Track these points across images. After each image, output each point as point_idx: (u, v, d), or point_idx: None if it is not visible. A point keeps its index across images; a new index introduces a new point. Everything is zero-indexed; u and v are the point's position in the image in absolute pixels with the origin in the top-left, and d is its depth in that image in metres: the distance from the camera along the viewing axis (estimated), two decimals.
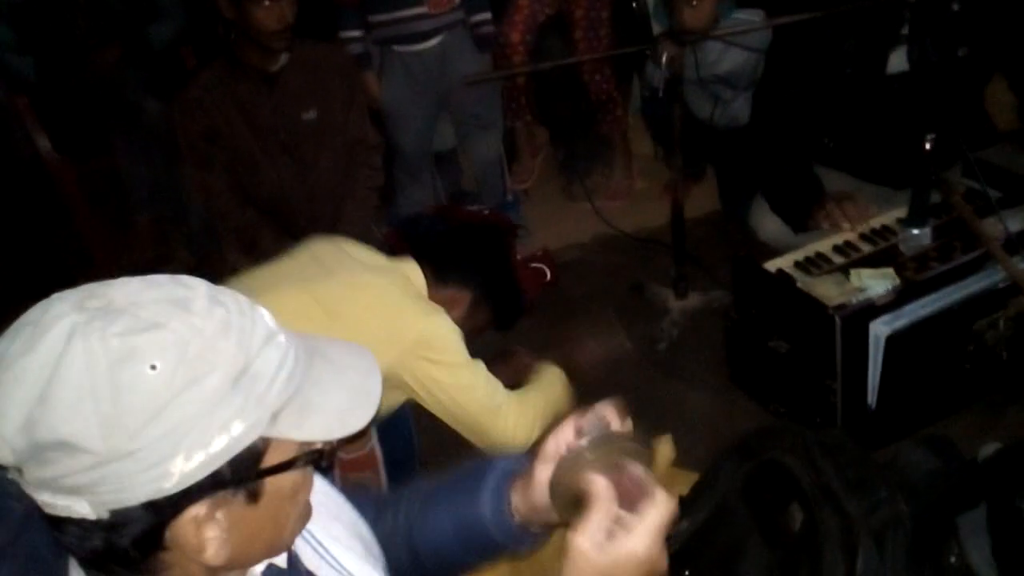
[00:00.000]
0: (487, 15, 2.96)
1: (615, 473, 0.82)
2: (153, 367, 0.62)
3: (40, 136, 3.07)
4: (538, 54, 3.14)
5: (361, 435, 1.67)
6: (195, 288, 0.69)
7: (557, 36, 3.17)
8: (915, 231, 2.03)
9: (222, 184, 2.55)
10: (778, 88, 2.35)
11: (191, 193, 2.70)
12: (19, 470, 0.64)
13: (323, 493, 0.90)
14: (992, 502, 1.57)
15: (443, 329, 1.61)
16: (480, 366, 1.66)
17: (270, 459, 0.70)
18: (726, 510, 1.52)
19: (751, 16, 2.61)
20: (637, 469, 0.82)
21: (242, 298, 0.71)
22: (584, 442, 0.84)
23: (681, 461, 1.88)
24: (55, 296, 0.67)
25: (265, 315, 0.71)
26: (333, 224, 2.55)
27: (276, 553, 0.79)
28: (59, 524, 0.65)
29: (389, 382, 1.60)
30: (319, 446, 0.73)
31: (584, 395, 2.38)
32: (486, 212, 3.07)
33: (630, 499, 0.80)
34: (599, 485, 0.80)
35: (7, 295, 3.16)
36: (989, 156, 2.21)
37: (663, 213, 2.83)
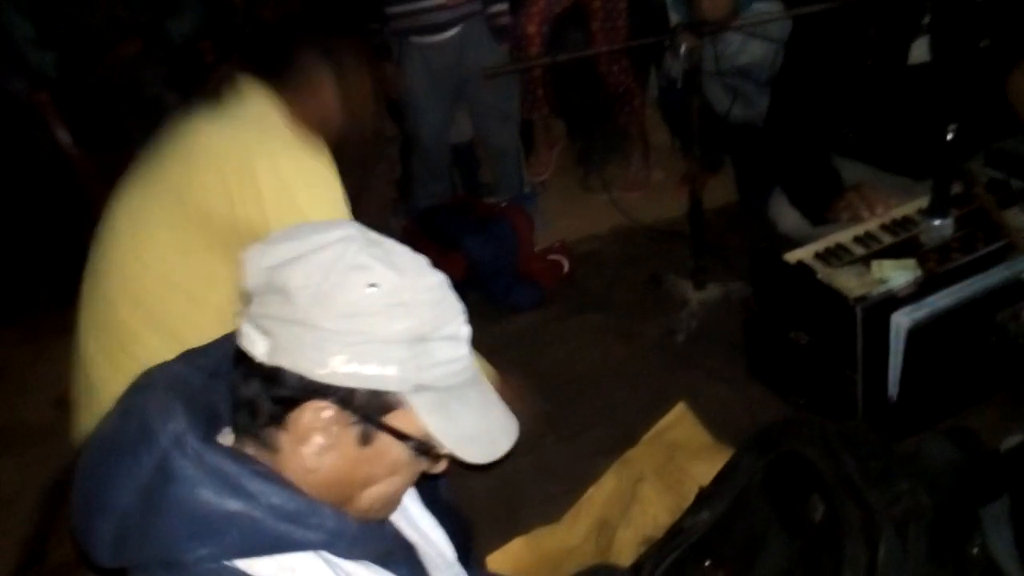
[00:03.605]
0: (504, 6, 2.96)
1: None
2: (372, 285, 0.77)
3: (61, 130, 3.10)
4: (555, 45, 3.13)
5: None
6: (434, 271, 0.84)
7: (574, 27, 3.17)
8: (937, 222, 2.01)
9: None
10: (797, 78, 2.34)
11: None
12: (249, 300, 0.80)
13: None
14: (1015, 493, 1.56)
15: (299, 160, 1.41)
16: None
17: (395, 421, 0.81)
18: (747, 501, 1.52)
19: (770, 7, 2.60)
20: None
21: (454, 299, 0.85)
22: None
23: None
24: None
25: (464, 324, 0.84)
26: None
27: (342, 509, 0.83)
28: (237, 363, 0.81)
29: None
30: (434, 446, 0.83)
31: (604, 387, 2.39)
32: (503, 204, 3.09)
33: None
34: None
35: (28, 287, 3.20)
36: (1011, 146, 2.19)
37: (681, 204, 2.83)
